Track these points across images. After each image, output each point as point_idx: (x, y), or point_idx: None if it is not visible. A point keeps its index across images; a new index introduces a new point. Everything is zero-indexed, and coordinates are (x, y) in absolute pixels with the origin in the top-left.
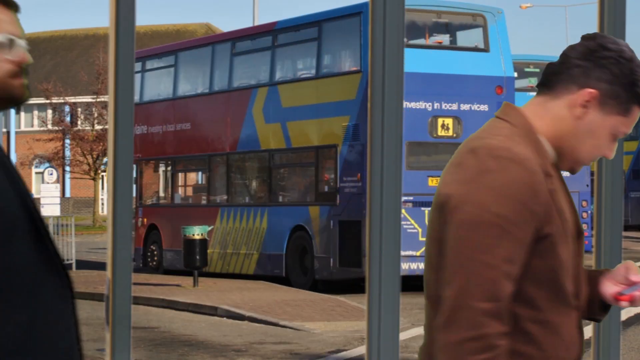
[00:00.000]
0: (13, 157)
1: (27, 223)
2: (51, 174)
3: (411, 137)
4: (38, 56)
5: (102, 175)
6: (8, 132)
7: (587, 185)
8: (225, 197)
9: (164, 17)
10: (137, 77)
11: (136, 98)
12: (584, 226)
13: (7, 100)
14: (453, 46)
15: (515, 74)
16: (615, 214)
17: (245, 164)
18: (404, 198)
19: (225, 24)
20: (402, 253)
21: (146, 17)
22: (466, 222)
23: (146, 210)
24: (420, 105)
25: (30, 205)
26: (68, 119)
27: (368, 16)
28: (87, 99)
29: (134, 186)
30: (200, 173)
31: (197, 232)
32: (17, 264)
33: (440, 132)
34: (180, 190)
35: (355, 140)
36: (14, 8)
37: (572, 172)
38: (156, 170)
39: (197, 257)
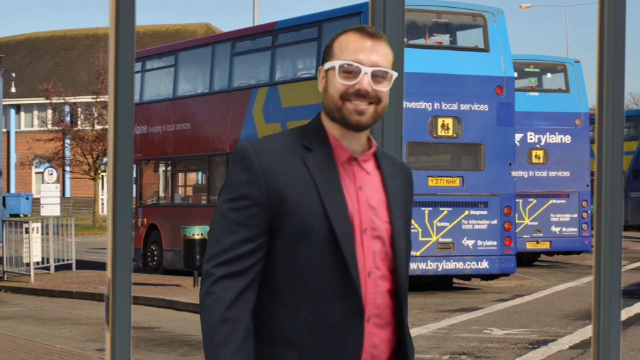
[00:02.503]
0: (13, 157)
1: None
2: (51, 174)
3: (411, 137)
4: (38, 56)
5: (102, 175)
6: (8, 132)
7: (587, 185)
8: None
9: (164, 17)
10: (137, 77)
11: (136, 98)
12: (584, 226)
13: (340, 120)
14: (453, 46)
15: (515, 74)
16: (615, 214)
17: None
18: None
19: (225, 24)
20: None
21: (146, 17)
22: None
23: (146, 210)
24: (420, 105)
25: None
26: (68, 119)
27: (368, 16)
28: (87, 99)
29: (134, 186)
30: (200, 173)
31: (197, 232)
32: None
33: (440, 132)
34: (180, 190)
35: None
36: (375, 36)
37: None
38: (156, 170)
39: (197, 257)
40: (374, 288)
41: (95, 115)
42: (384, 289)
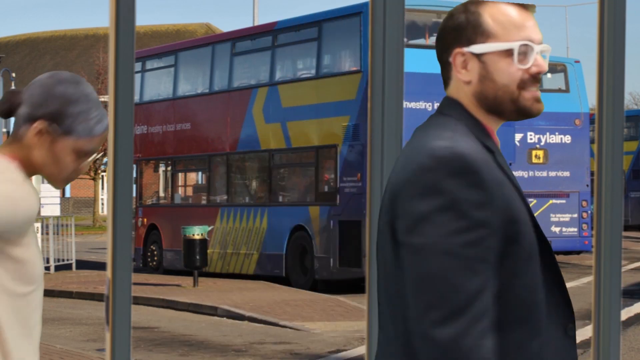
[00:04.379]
0: None
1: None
2: None
3: None
4: (38, 56)
5: (102, 175)
6: (8, 132)
7: (587, 185)
8: (225, 197)
9: (164, 17)
10: (137, 77)
11: (136, 98)
12: (584, 226)
13: (517, 112)
14: None
15: None
16: (615, 214)
17: (245, 164)
18: None
19: (225, 24)
20: None
21: (146, 17)
22: None
23: (146, 210)
24: (420, 105)
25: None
26: None
27: (368, 16)
28: None
29: (134, 186)
30: (200, 173)
31: (197, 232)
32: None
33: None
34: (180, 190)
35: (355, 140)
36: (530, 9)
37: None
38: (156, 170)
39: (197, 257)
40: None
41: None
42: None
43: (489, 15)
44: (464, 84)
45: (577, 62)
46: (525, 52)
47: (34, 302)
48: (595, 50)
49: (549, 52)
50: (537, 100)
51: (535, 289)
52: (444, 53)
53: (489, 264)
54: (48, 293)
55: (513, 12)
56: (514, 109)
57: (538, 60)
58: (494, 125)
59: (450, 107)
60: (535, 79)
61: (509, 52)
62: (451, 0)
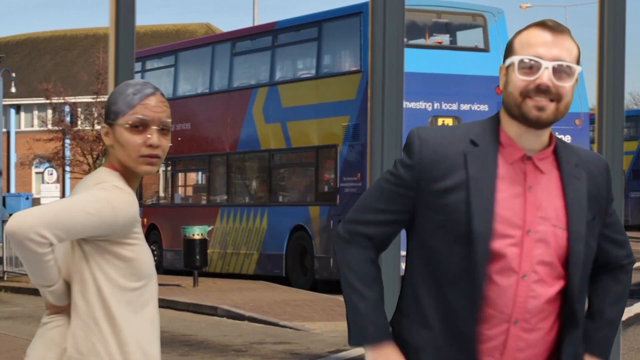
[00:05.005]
0: (13, 157)
1: None
2: (51, 174)
3: None
4: (38, 56)
5: None
6: (8, 132)
7: None
8: (225, 197)
9: (164, 17)
10: (137, 77)
11: None
12: None
13: (521, 117)
14: (453, 46)
15: None
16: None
17: (245, 164)
18: None
19: (225, 24)
20: (402, 253)
21: (146, 17)
22: None
23: (146, 210)
24: (420, 105)
25: None
26: (68, 119)
27: (368, 16)
28: (87, 99)
29: None
30: (200, 173)
31: (197, 232)
32: None
33: None
34: (180, 190)
35: (355, 140)
36: (557, 30)
37: None
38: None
39: (197, 257)
40: (527, 292)
41: (96, 115)
42: (540, 293)
43: (519, 37)
44: (503, 92)
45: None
46: (530, 66)
47: (146, 295)
48: (595, 50)
49: (577, 70)
50: (538, 109)
51: (446, 257)
52: None
53: (390, 203)
54: None
55: (534, 34)
56: (518, 114)
57: (544, 74)
58: (520, 130)
59: (492, 116)
60: (540, 90)
61: (516, 65)
62: (451, 0)
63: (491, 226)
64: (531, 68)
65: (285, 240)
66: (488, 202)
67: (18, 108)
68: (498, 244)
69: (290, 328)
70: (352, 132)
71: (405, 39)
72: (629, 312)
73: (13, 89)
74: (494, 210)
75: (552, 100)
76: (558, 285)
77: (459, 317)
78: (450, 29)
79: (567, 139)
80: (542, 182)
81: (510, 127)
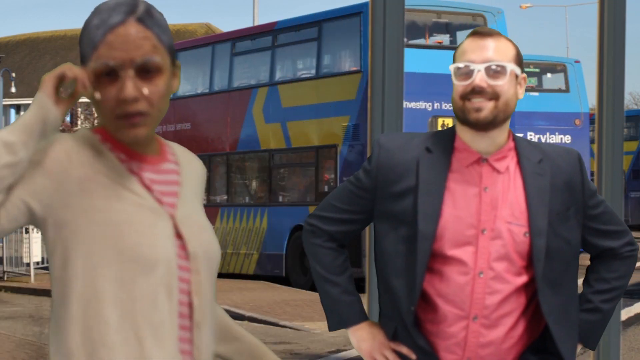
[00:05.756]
0: None
1: None
2: None
3: None
4: (38, 56)
5: None
6: None
7: None
8: (225, 197)
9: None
10: None
11: None
12: None
13: (464, 120)
14: (453, 46)
15: None
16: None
17: (245, 164)
18: None
19: (225, 24)
20: None
21: None
22: None
23: None
24: (420, 105)
25: None
26: (68, 119)
27: (368, 16)
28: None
29: None
30: None
31: None
32: None
33: None
34: None
35: (355, 140)
36: (487, 35)
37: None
38: None
39: None
40: (483, 288)
41: (96, 115)
42: (498, 290)
43: (458, 49)
44: None
45: (577, 62)
46: (466, 72)
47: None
48: (595, 50)
49: (493, 61)
50: (476, 110)
51: (394, 256)
52: None
53: (351, 204)
54: (48, 293)
55: (466, 42)
56: (462, 117)
57: (478, 75)
58: (472, 134)
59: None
60: (476, 91)
61: (453, 73)
62: (451, 0)
63: (435, 227)
64: (467, 74)
65: (285, 240)
66: (435, 204)
67: (18, 108)
68: (449, 244)
69: (290, 328)
70: (352, 132)
71: (405, 39)
72: (628, 312)
73: (13, 89)
74: (440, 211)
75: (490, 99)
76: (520, 280)
77: (402, 308)
78: (450, 29)
79: (567, 139)
80: (498, 182)
81: (463, 133)
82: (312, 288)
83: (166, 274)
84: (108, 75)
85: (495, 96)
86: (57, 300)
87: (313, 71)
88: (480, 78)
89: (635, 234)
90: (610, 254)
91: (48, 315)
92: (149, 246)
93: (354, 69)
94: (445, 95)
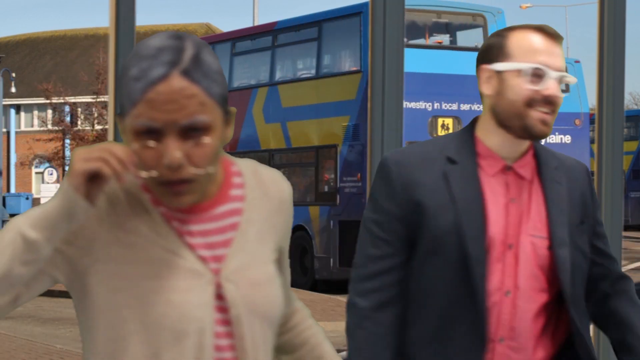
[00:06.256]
0: (13, 157)
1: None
2: (51, 174)
3: (411, 137)
4: (38, 56)
5: None
6: (8, 132)
7: None
8: None
9: (164, 17)
10: None
11: None
12: None
13: (522, 129)
14: (453, 46)
15: None
16: (615, 214)
17: None
18: None
19: (225, 24)
20: None
21: (146, 17)
22: None
23: None
24: (420, 105)
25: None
26: (68, 119)
27: (368, 16)
28: (87, 99)
29: None
30: None
31: None
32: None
33: (440, 132)
34: None
35: (355, 140)
36: (557, 39)
37: None
38: None
39: None
40: (511, 308)
41: (95, 115)
42: (526, 309)
43: (514, 40)
44: (485, 97)
45: (577, 62)
46: (538, 75)
47: None
48: (595, 50)
49: (572, 82)
50: (544, 122)
51: (438, 285)
52: (476, 68)
53: (391, 244)
54: (48, 293)
55: (535, 39)
56: (519, 125)
57: (552, 84)
58: (504, 140)
59: (466, 127)
60: (547, 101)
61: (521, 72)
62: (451, 0)
63: (485, 247)
64: (538, 77)
65: None
66: (479, 222)
67: (18, 108)
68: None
69: None
70: (352, 132)
71: (405, 39)
72: None
73: (13, 89)
74: (486, 231)
75: (553, 113)
76: (544, 298)
77: (457, 347)
78: (450, 29)
79: (567, 139)
80: (524, 192)
81: (492, 137)
82: (312, 288)
83: (196, 346)
84: (149, 134)
85: (555, 110)
86: None
87: (313, 71)
88: (556, 87)
89: (635, 234)
90: (616, 276)
91: (48, 315)
92: (178, 318)
93: (354, 69)
94: (445, 95)
